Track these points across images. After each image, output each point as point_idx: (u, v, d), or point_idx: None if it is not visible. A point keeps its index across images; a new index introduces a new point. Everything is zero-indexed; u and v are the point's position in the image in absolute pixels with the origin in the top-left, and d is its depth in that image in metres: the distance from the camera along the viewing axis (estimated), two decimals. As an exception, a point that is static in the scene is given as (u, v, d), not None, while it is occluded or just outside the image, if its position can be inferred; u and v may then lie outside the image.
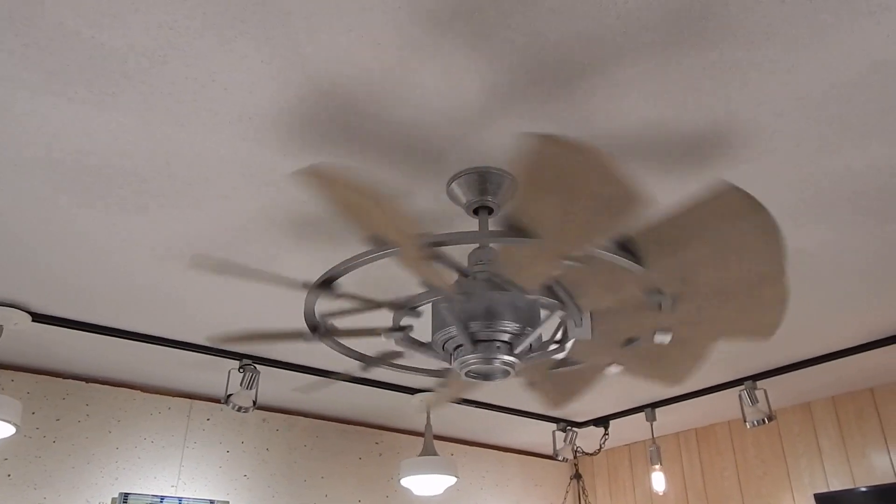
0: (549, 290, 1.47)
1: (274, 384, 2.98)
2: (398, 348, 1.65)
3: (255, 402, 2.62)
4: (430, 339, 1.59)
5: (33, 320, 2.29)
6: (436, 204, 1.76)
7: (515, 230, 1.22)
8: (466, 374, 1.54)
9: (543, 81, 1.33)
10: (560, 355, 1.57)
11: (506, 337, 1.52)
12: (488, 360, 1.51)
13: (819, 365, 2.86)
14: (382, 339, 1.59)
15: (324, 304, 1.63)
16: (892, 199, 1.73)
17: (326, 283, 1.49)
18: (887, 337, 2.62)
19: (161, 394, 3.04)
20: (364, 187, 1.09)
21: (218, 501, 3.00)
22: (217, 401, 3.16)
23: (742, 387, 2.94)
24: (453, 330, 1.50)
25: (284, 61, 1.27)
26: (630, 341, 1.56)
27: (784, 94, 1.36)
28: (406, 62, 1.28)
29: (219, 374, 2.88)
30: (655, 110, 1.40)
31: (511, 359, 1.49)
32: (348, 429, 3.55)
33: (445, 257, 1.50)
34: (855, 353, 2.73)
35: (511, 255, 1.27)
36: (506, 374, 1.51)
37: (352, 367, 2.76)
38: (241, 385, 2.63)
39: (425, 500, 3.66)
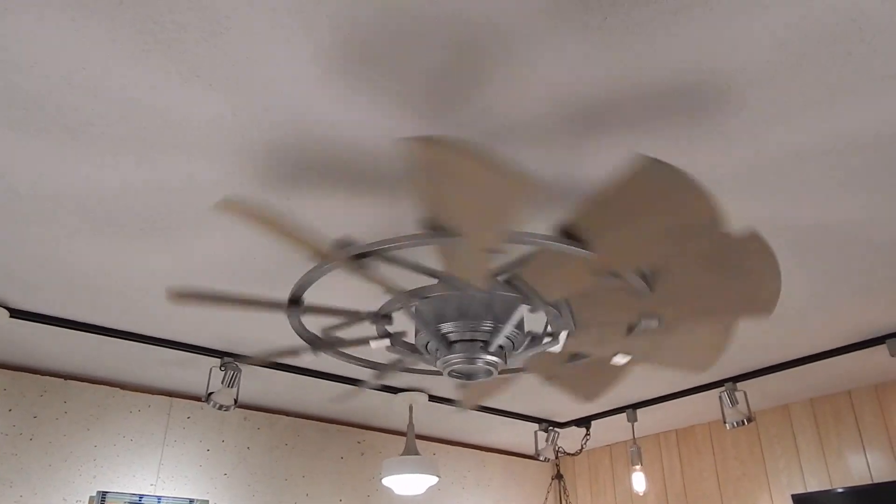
0: (509, 285, 1.47)
1: (255, 382, 2.97)
2: (395, 354, 1.65)
3: (236, 401, 2.62)
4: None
5: (11, 316, 2.27)
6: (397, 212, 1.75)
7: (441, 230, 1.20)
8: (449, 375, 1.55)
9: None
10: (556, 349, 1.57)
11: (483, 336, 1.52)
12: (471, 360, 1.51)
13: (798, 367, 2.91)
14: (371, 346, 1.60)
15: (312, 321, 1.63)
16: (873, 210, 1.76)
17: (296, 301, 1.49)
18: (864, 340, 2.66)
19: (141, 391, 3.03)
20: (271, 216, 1.11)
21: (198, 500, 2.99)
22: (198, 399, 3.15)
23: (722, 388, 2.98)
24: (426, 332, 1.50)
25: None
26: (632, 329, 1.55)
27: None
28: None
29: (199, 373, 2.87)
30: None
31: (493, 358, 1.49)
32: (329, 427, 3.55)
33: (406, 261, 1.50)
34: (833, 356, 2.76)
35: (450, 255, 1.26)
36: (488, 373, 1.51)
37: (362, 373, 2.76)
38: (222, 383, 2.63)
39: (407, 500, 3.67)
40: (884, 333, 2.60)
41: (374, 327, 1.66)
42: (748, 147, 1.52)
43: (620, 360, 1.78)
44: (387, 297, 1.52)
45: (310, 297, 1.51)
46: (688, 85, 1.33)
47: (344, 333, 1.80)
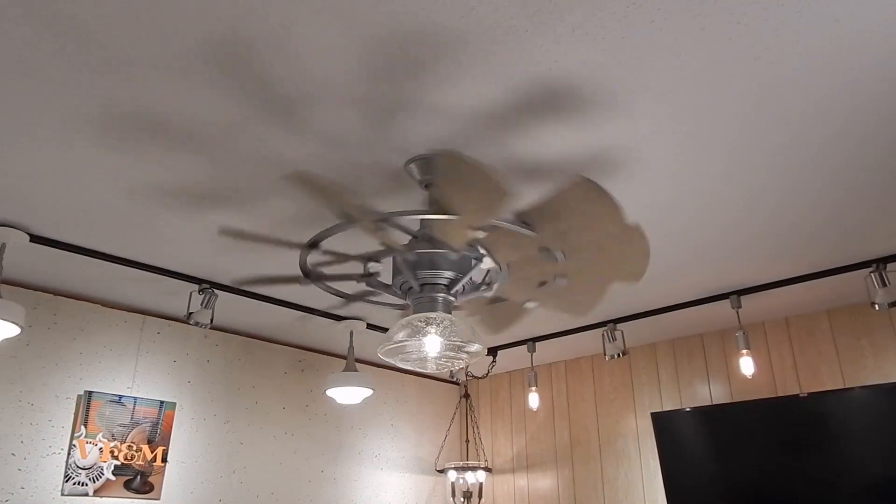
0: (473, 248, 2.08)
1: (216, 306, 3.43)
2: (367, 289, 2.21)
3: (212, 320, 3.09)
4: (390, 283, 2.17)
5: (31, 240, 2.64)
6: (396, 179, 2.29)
7: (442, 209, 1.80)
8: (416, 309, 2.13)
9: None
10: (489, 294, 2.19)
11: (445, 282, 2.12)
12: (433, 298, 2.11)
13: (663, 314, 3.53)
14: (355, 282, 2.16)
15: (311, 258, 2.16)
16: (728, 194, 2.43)
17: (314, 244, 2.03)
18: (714, 296, 3.31)
19: (118, 309, 3.44)
20: (334, 185, 1.66)
21: (167, 402, 3.47)
22: (166, 318, 3.59)
23: (605, 328, 3.60)
24: (408, 275, 2.08)
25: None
26: (542, 284, 2.19)
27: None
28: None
29: (170, 297, 3.30)
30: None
31: (450, 297, 2.09)
32: (275, 347, 4.07)
33: (400, 224, 2.07)
34: (690, 307, 3.42)
35: (441, 225, 1.86)
36: (447, 308, 2.10)
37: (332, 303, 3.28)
38: (201, 305, 3.10)
39: (337, 408, 4.27)
40: (727, 291, 3.25)
41: (356, 268, 2.23)
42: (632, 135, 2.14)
43: (531, 305, 2.42)
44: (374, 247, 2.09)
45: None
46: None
47: (328, 271, 2.35)
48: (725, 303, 3.35)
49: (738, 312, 3.37)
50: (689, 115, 1.89)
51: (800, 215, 2.51)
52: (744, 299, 3.31)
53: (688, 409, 3.68)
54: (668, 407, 3.99)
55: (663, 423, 3.75)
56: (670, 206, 2.44)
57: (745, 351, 3.22)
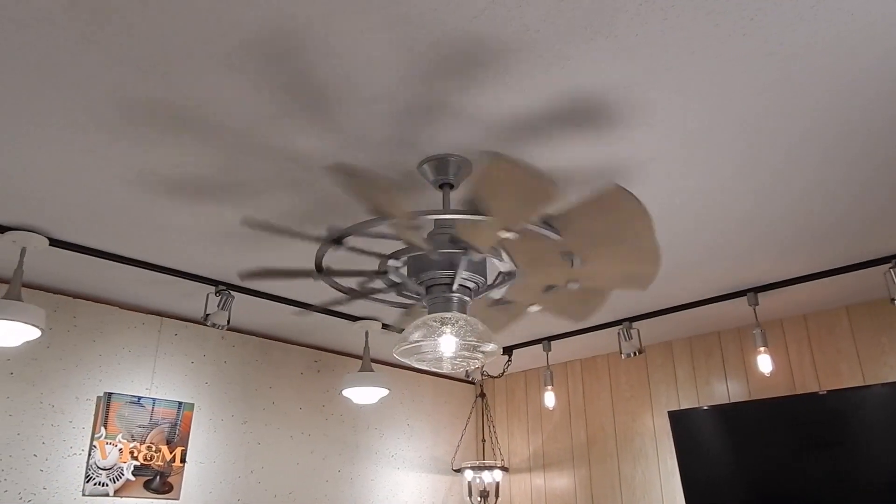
0: (494, 250, 2.08)
1: (233, 307, 3.46)
2: (376, 287, 2.22)
3: (229, 321, 3.11)
4: (401, 281, 2.18)
5: (50, 244, 2.68)
6: (407, 180, 2.30)
7: (475, 209, 1.80)
8: (431, 309, 2.13)
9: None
10: (497, 296, 2.19)
11: (462, 282, 2.12)
12: (448, 298, 2.11)
13: (680, 312, 3.51)
14: (367, 279, 2.16)
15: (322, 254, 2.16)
16: (744, 184, 2.42)
17: (339, 239, 2.04)
18: (731, 293, 3.29)
19: (136, 311, 3.48)
20: (379, 180, 1.65)
21: (185, 402, 3.50)
22: (183, 319, 3.62)
23: (620, 326, 3.60)
24: (425, 275, 2.08)
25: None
26: (549, 288, 2.19)
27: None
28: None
29: (186, 298, 3.33)
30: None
31: (466, 298, 2.10)
32: (291, 348, 4.09)
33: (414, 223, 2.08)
34: (706, 304, 3.40)
35: (470, 226, 1.86)
36: (462, 308, 2.11)
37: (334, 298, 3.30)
38: (217, 307, 3.12)
39: (354, 408, 4.29)
40: (744, 288, 3.23)
41: (371, 265, 2.24)
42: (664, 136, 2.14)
43: (534, 308, 2.42)
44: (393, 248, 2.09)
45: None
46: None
47: (342, 267, 2.35)
48: (742, 300, 3.33)
49: (755, 310, 3.34)
50: (703, 111, 1.88)
51: (815, 211, 2.49)
52: (761, 296, 3.29)
53: (705, 408, 3.66)
54: (685, 405, 3.97)
55: (681, 422, 3.73)
56: (684, 202, 2.43)
57: (762, 348, 3.20)
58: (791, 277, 3.13)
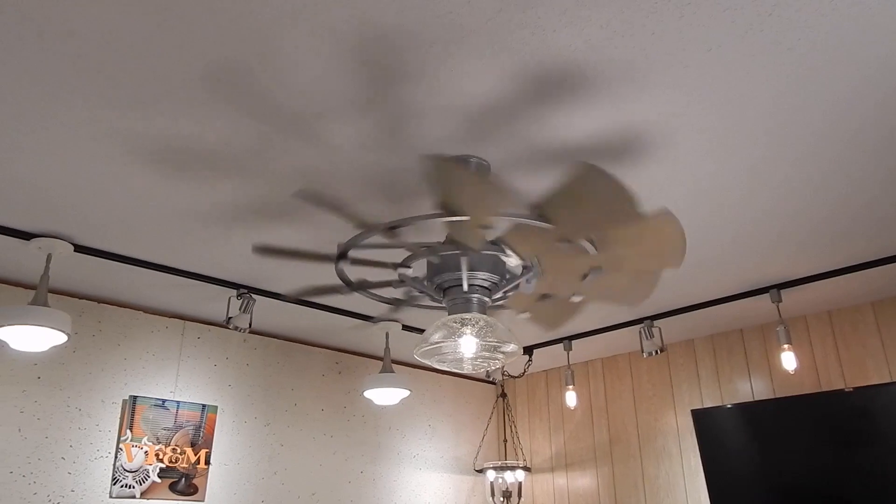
0: (496, 246, 2.07)
1: (255, 310, 3.49)
2: (409, 294, 2.23)
3: (250, 324, 3.14)
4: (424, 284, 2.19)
5: (75, 250, 2.72)
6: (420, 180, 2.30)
7: (450, 210, 1.80)
8: (451, 310, 2.13)
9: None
10: (529, 291, 2.17)
11: (478, 282, 2.12)
12: (467, 299, 2.11)
13: (702, 309, 3.49)
14: (393, 287, 2.18)
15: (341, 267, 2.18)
16: (763, 176, 2.40)
17: (342, 254, 2.06)
18: (753, 290, 3.26)
19: (160, 315, 3.52)
20: (335, 199, 1.67)
21: (209, 405, 3.54)
22: (205, 322, 3.66)
23: (641, 324, 3.58)
24: (446, 276, 2.08)
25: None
26: (585, 276, 2.17)
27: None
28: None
29: (209, 302, 3.36)
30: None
31: (486, 299, 2.10)
32: (313, 350, 4.12)
33: (427, 227, 2.09)
34: (729, 301, 3.37)
35: (456, 227, 1.86)
36: (481, 308, 2.11)
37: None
38: (239, 310, 3.15)
39: (375, 409, 4.31)
40: (767, 285, 3.20)
41: (391, 274, 2.25)
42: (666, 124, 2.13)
43: (577, 298, 2.40)
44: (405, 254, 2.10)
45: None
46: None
47: (369, 278, 2.37)
48: (765, 297, 3.30)
49: (778, 306, 3.31)
50: (720, 107, 1.87)
51: (838, 204, 2.46)
52: (784, 293, 3.26)
53: (729, 406, 3.63)
54: (708, 404, 3.94)
55: (704, 421, 3.70)
56: (703, 198, 2.41)
57: (786, 346, 3.16)
58: (815, 273, 3.09)
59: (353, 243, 2.04)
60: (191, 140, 1.96)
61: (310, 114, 1.84)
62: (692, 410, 3.78)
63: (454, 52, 1.62)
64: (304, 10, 1.48)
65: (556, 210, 1.81)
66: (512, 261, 2.10)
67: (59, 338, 2.61)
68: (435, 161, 1.67)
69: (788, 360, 3.15)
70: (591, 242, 1.98)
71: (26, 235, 2.61)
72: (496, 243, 2.06)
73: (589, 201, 1.76)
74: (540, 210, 1.85)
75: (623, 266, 2.09)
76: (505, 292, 2.21)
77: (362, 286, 2.20)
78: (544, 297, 2.29)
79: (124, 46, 1.59)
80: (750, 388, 3.80)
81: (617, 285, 2.20)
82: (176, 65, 1.64)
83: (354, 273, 2.45)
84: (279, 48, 1.59)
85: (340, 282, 2.17)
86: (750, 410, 3.55)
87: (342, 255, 2.15)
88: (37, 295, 2.60)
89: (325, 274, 2.97)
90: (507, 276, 2.12)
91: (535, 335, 4.04)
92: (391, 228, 2.00)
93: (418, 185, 2.25)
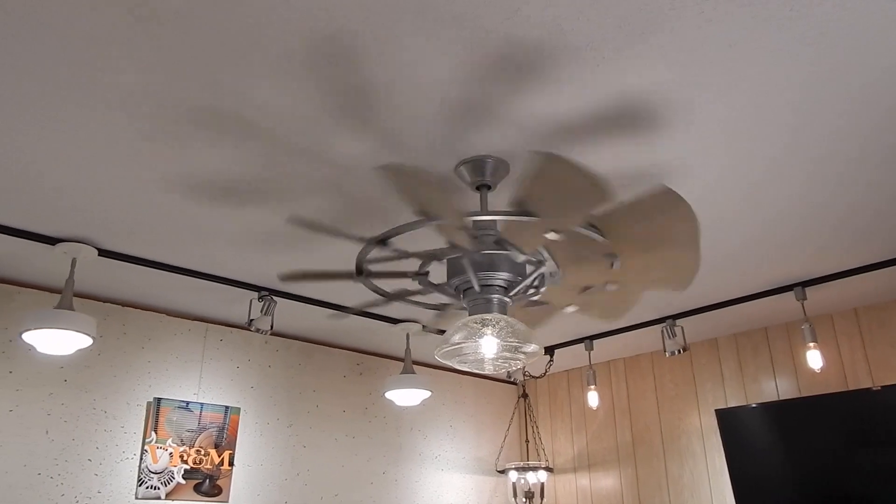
0: (537, 252, 2.07)
1: (276, 312, 3.51)
2: (418, 288, 2.23)
3: (272, 326, 3.16)
4: (440, 283, 2.18)
5: (99, 255, 2.76)
6: (446, 181, 2.30)
7: (521, 210, 1.80)
8: (472, 310, 2.13)
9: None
10: (536, 297, 2.18)
11: (502, 283, 2.11)
12: (488, 299, 2.11)
13: (725, 308, 3.46)
14: (409, 280, 2.18)
15: (364, 255, 2.19)
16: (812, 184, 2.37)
17: (384, 240, 2.06)
18: (778, 287, 3.22)
19: (183, 318, 3.55)
20: (428, 176, 1.66)
21: (232, 407, 3.57)
22: (228, 325, 3.69)
23: (664, 323, 3.54)
24: (466, 276, 2.08)
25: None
26: (585, 289, 2.17)
27: (705, 122, 1.95)
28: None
29: (230, 305, 3.39)
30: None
31: (506, 299, 2.09)
32: (334, 351, 4.14)
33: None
34: (753, 300, 3.33)
35: (516, 227, 1.86)
36: (502, 309, 2.10)
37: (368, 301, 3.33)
38: (261, 312, 3.17)
39: (397, 410, 4.32)
40: (791, 282, 3.16)
41: (411, 266, 2.25)
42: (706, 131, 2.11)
43: (570, 309, 2.40)
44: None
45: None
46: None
47: (380, 268, 2.37)
48: (789, 295, 3.27)
49: (803, 304, 3.26)
50: (741, 103, 1.85)
51: (860, 200, 2.42)
52: (809, 290, 3.22)
53: (753, 405, 3.59)
54: (732, 403, 3.91)
55: (728, 420, 3.67)
56: (725, 194, 2.39)
57: (812, 344, 3.12)
58: (840, 270, 3.05)
59: (360, 258, 2.05)
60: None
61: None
62: (716, 410, 3.75)
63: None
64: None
65: (614, 226, 1.82)
66: (520, 257, 2.09)
67: (84, 341, 2.64)
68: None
69: (814, 358, 3.11)
70: (593, 229, 1.96)
71: (52, 240, 2.64)
72: (500, 242, 2.05)
73: (652, 224, 1.77)
74: (596, 223, 1.86)
75: (632, 284, 2.09)
76: (527, 290, 2.20)
77: (371, 275, 2.20)
78: (586, 288, 2.27)
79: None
80: (775, 388, 3.76)
81: (605, 301, 2.20)
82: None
83: (372, 262, 2.45)
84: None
85: (353, 269, 2.17)
86: (775, 410, 3.51)
87: (360, 272, 2.17)
88: (62, 299, 2.63)
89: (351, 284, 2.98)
90: (525, 274, 2.11)
91: (557, 335, 4.02)
92: (382, 241, 2.02)
93: (450, 185, 2.24)
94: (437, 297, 2.25)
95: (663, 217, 1.77)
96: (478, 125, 1.93)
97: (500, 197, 2.32)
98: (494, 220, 2.12)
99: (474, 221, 2.16)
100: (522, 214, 1.80)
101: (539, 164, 1.59)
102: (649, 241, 1.88)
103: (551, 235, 1.85)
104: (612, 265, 2.01)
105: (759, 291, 3.31)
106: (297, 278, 2.30)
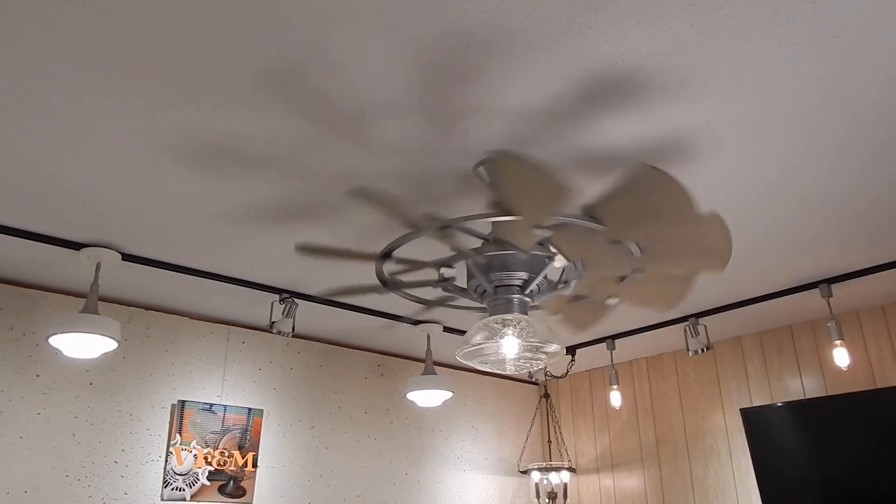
0: (544, 248, 2.05)
1: (297, 314, 3.53)
2: (445, 294, 2.22)
3: (293, 328, 3.17)
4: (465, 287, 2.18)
5: (123, 259, 2.79)
6: (468, 184, 2.29)
7: (505, 210, 1.79)
8: (492, 311, 2.12)
9: (559, 105, 1.87)
10: (567, 292, 2.15)
11: (518, 282, 2.10)
12: (508, 300, 2.10)
13: (749, 306, 3.42)
14: (432, 288, 2.17)
15: (387, 267, 2.19)
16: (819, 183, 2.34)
17: (387, 254, 2.06)
18: (802, 284, 3.17)
19: (205, 321, 3.58)
20: (391, 197, 1.66)
21: (255, 409, 3.59)
22: (250, 327, 3.72)
23: (687, 322, 3.50)
24: (480, 279, 2.07)
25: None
26: (622, 279, 2.14)
27: (726, 118, 1.92)
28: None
29: (252, 307, 3.41)
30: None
31: (525, 298, 2.08)
32: (355, 353, 4.15)
33: (471, 228, 2.08)
34: (777, 297, 3.28)
35: (507, 227, 1.84)
36: (522, 309, 2.09)
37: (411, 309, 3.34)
38: (282, 314, 3.19)
39: (418, 411, 4.32)
40: (816, 279, 3.11)
41: (432, 274, 2.24)
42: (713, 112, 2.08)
43: (612, 301, 2.37)
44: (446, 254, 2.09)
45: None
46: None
47: (405, 278, 2.37)
48: (814, 292, 3.22)
49: (828, 301, 3.21)
50: (763, 98, 1.82)
51: (884, 194, 2.38)
52: (834, 287, 3.17)
53: (779, 404, 3.55)
54: (757, 402, 3.86)
55: (754, 419, 3.62)
56: (746, 189, 2.36)
57: (838, 342, 3.07)
58: (866, 267, 3.00)
59: (399, 242, 2.04)
60: (237, 139, 1.97)
61: (359, 113, 1.84)
62: (741, 409, 3.71)
63: (515, 56, 1.61)
64: (366, 7, 1.48)
65: (608, 211, 1.79)
66: (558, 262, 2.08)
67: (109, 345, 2.67)
68: (503, 156, 1.66)
69: (841, 356, 3.06)
70: (638, 245, 1.95)
71: (76, 245, 2.68)
72: (543, 244, 2.04)
73: (645, 202, 1.74)
74: (591, 211, 1.83)
75: (664, 268, 2.05)
76: (551, 286, 2.19)
77: (398, 286, 2.21)
78: (577, 298, 2.27)
79: (174, 46, 1.62)
80: (801, 386, 3.70)
81: (651, 289, 2.17)
82: (227, 62, 1.64)
83: (395, 272, 2.45)
84: (335, 45, 1.59)
85: (378, 282, 2.18)
86: (801, 408, 3.47)
87: (387, 255, 2.16)
88: (87, 303, 2.67)
89: (368, 277, 2.98)
90: (547, 277, 2.10)
91: (579, 334, 4.00)
92: (442, 228, 2.00)
93: (463, 186, 2.24)
94: (429, 293, 2.23)
95: (650, 194, 1.71)
96: (471, 123, 1.91)
97: (490, 196, 2.31)
98: (498, 221, 2.10)
99: (494, 223, 2.16)
100: (502, 214, 1.79)
101: (499, 163, 1.58)
102: (646, 220, 1.82)
103: (540, 231, 1.83)
104: (630, 252, 1.98)
105: (783, 289, 3.27)
106: (316, 252, 2.30)
